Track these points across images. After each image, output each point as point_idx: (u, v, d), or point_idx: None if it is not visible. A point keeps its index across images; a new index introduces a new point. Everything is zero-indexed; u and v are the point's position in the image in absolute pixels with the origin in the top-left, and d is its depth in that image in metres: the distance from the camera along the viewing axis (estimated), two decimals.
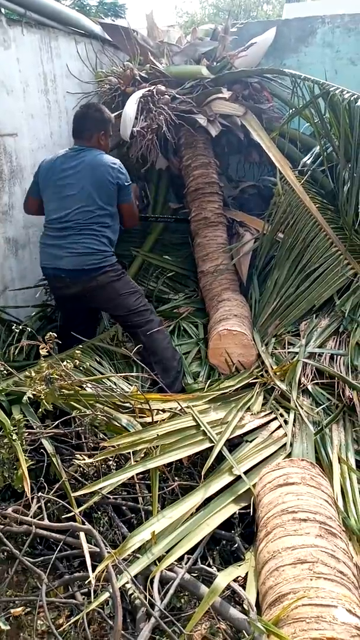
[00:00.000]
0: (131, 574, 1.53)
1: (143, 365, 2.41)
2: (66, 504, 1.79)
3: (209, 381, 2.78)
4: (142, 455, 1.92)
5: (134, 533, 1.65)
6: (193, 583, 1.64)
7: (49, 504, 1.86)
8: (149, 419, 2.11)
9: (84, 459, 1.89)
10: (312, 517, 1.58)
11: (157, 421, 2.10)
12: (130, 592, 1.56)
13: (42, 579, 1.61)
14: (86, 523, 1.71)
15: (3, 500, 2.01)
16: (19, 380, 2.18)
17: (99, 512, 1.91)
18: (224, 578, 1.53)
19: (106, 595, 1.49)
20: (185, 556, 1.68)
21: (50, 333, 2.05)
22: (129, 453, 1.90)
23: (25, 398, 1.92)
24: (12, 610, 1.68)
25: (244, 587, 1.59)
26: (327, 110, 2.99)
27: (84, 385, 2.15)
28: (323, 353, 2.64)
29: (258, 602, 1.49)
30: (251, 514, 1.83)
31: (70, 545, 1.80)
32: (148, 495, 1.93)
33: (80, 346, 2.45)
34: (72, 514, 1.72)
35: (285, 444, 2.12)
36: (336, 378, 2.46)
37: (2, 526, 1.76)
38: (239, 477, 1.90)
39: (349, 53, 4.07)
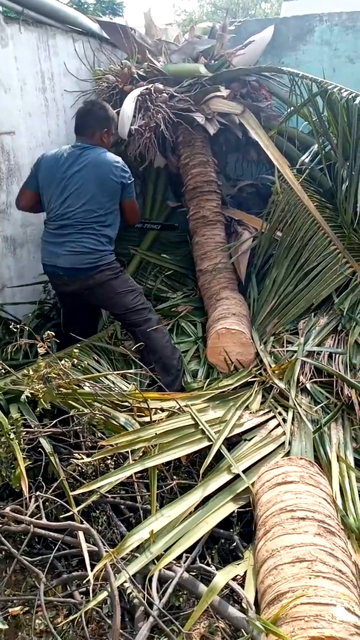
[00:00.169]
0: (130, 573, 1.53)
1: (142, 364, 2.41)
2: (64, 503, 1.79)
3: (208, 380, 2.78)
4: (141, 454, 1.92)
5: (132, 532, 1.64)
6: (192, 582, 1.64)
7: (47, 503, 1.86)
8: (147, 418, 2.11)
9: (82, 458, 1.89)
10: (311, 516, 1.58)
11: (156, 420, 2.10)
12: (128, 591, 1.56)
13: (40, 578, 1.61)
14: (84, 522, 1.71)
15: (1, 500, 2.01)
16: (17, 378, 2.17)
17: (98, 511, 1.91)
18: (222, 577, 1.53)
19: (104, 594, 1.49)
20: (184, 555, 1.68)
21: (48, 332, 2.05)
22: (127, 452, 1.90)
23: (23, 397, 1.92)
24: (10, 610, 1.68)
25: (242, 585, 1.59)
26: (325, 108, 2.99)
27: (82, 384, 2.15)
28: (321, 351, 2.64)
29: (257, 600, 1.49)
30: (250, 512, 1.83)
31: (68, 545, 1.80)
32: (146, 494, 1.93)
33: (79, 345, 2.45)
34: (70, 513, 1.71)
35: (283, 443, 2.13)
36: (334, 376, 2.46)
37: (0, 525, 1.75)
38: (237, 476, 1.90)
39: (347, 51, 4.07)
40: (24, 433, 1.93)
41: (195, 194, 3.57)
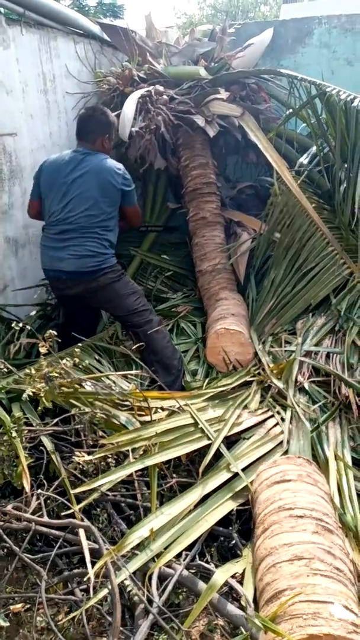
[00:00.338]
0: (130, 570, 1.54)
1: (142, 364, 2.42)
2: (65, 501, 1.80)
3: (207, 379, 2.80)
4: (141, 452, 1.93)
5: (132, 530, 1.66)
6: (191, 579, 1.65)
7: (48, 501, 1.87)
8: (147, 417, 2.13)
9: (83, 456, 1.90)
10: (309, 514, 1.59)
11: (156, 419, 2.12)
12: (129, 588, 1.57)
13: (41, 575, 1.62)
14: (85, 520, 1.73)
15: (3, 497, 2.02)
16: (19, 378, 2.19)
17: (98, 509, 1.92)
18: (221, 574, 1.55)
19: (105, 591, 1.50)
20: (184, 553, 1.69)
21: (50, 331, 2.07)
22: (127, 450, 1.91)
23: (25, 396, 1.93)
24: (11, 607, 1.69)
25: (241, 583, 1.60)
26: (323, 110, 3.01)
27: (83, 384, 2.16)
28: (319, 351, 2.66)
29: (255, 598, 1.50)
30: (249, 510, 1.85)
31: (69, 542, 1.81)
32: (147, 492, 1.95)
33: (80, 344, 2.46)
34: (71, 511, 1.73)
35: (282, 442, 2.14)
36: (332, 376, 2.48)
37: (2, 523, 1.77)
38: (236, 474, 1.92)
39: (345, 53, 4.08)
40: (26, 431, 1.94)
41: (195, 196, 3.58)
